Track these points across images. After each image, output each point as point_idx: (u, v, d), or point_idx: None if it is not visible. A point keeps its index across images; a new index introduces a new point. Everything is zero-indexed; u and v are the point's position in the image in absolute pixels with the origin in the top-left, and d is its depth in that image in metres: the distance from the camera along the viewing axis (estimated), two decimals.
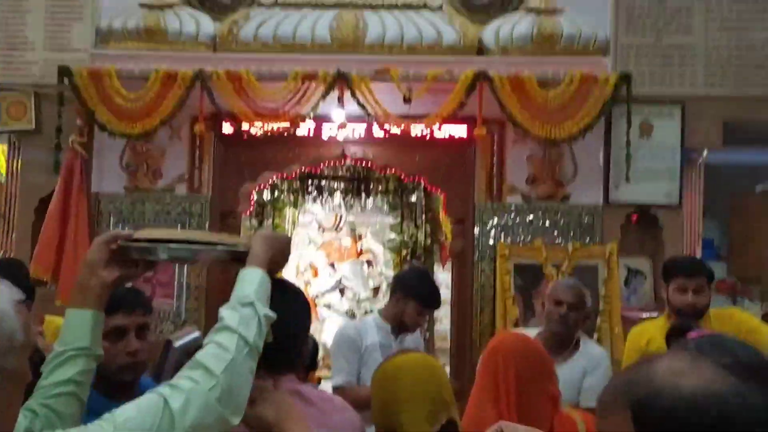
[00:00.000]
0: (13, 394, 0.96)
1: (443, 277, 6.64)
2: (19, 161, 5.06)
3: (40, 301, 4.80)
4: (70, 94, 4.83)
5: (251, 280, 1.31)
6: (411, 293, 3.44)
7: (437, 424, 1.55)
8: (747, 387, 0.75)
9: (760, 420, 0.73)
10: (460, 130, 5.04)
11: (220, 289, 5.13)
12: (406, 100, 4.74)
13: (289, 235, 6.88)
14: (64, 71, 4.83)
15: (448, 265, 6.27)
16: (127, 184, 5.08)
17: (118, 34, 5.00)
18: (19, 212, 5.04)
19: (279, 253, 1.42)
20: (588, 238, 4.93)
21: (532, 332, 3.14)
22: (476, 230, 5.00)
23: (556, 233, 4.98)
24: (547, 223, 4.99)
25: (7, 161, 5.09)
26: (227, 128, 5.07)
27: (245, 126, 4.89)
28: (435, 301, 3.48)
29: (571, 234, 4.96)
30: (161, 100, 4.80)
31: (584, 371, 3.12)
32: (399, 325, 3.44)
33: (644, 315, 4.88)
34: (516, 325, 4.85)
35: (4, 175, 5.16)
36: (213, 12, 5.11)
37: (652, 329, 3.38)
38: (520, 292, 4.92)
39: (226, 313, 1.28)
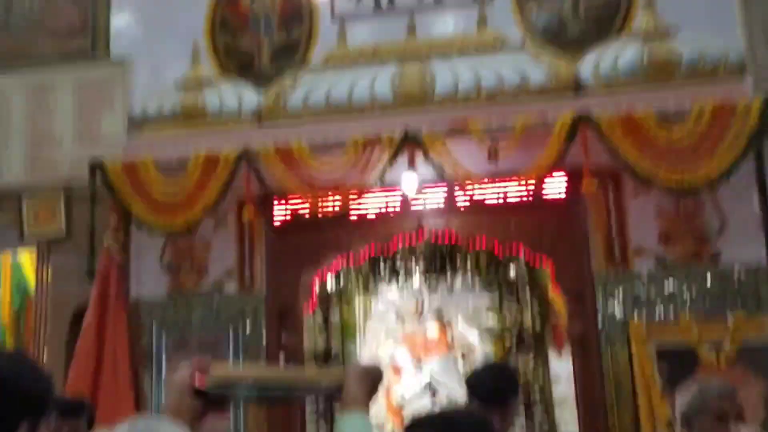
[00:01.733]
0: None
1: (561, 367, 5.44)
2: (49, 270, 4.44)
3: None
4: (104, 191, 4.21)
5: (361, 427, 1.31)
6: (471, 394, 2.50)
7: None
8: None
9: None
10: (563, 187, 4.07)
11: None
12: (492, 155, 3.90)
13: (363, 328, 5.93)
14: (96, 166, 4.27)
15: (566, 352, 5.11)
16: (170, 286, 4.37)
17: (152, 119, 4.46)
18: (51, 328, 4.41)
19: (374, 389, 1.42)
20: (754, 306, 3.75)
21: None
22: (599, 306, 3.93)
23: (706, 304, 3.83)
24: (694, 291, 3.86)
25: (36, 271, 4.48)
26: (279, 212, 4.31)
27: (299, 206, 4.12)
28: (489, 395, 2.41)
29: (728, 303, 3.79)
30: (203, 187, 4.17)
31: None
32: None
33: None
34: (670, 427, 3.66)
35: (32, 286, 4.56)
36: (256, 82, 4.49)
37: None
38: (669, 383, 3.75)
39: None
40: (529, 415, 5.16)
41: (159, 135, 4.39)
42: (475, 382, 2.55)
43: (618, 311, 3.94)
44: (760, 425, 3.61)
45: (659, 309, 3.90)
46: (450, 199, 4.25)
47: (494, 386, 2.45)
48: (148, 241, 4.33)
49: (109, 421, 4.00)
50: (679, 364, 3.81)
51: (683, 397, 2.42)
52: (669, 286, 3.90)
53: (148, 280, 4.38)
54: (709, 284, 3.86)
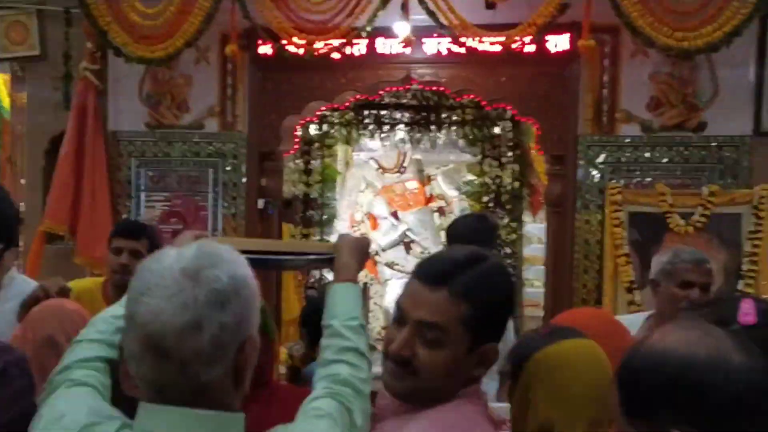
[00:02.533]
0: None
1: (535, 229, 5.57)
2: (24, 95, 4.28)
3: (55, 259, 4.17)
4: (79, 12, 3.97)
5: (353, 298, 1.39)
6: (448, 242, 2.58)
7: (599, 428, 1.29)
8: None
9: None
10: (560, 42, 3.95)
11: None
12: (489, 4, 3.67)
13: (343, 176, 5.94)
14: None
15: (542, 214, 5.19)
16: (149, 119, 4.27)
17: None
18: (28, 156, 4.33)
19: (363, 260, 1.51)
20: (730, 179, 3.80)
21: (638, 318, 2.51)
22: (579, 170, 3.95)
23: (686, 173, 3.86)
24: (675, 159, 3.89)
25: (11, 94, 4.32)
26: (265, 49, 4.13)
27: (286, 45, 3.93)
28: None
29: (707, 174, 3.83)
30: (185, 16, 3.92)
31: None
32: None
33: None
34: (630, 290, 3.84)
35: (7, 110, 4.42)
36: None
37: None
38: (636, 248, 3.88)
39: (349, 333, 1.32)
40: None
41: None
42: (454, 230, 2.59)
43: (598, 176, 3.96)
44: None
45: (639, 176, 3.93)
46: (441, 48, 4.08)
47: (472, 234, 2.48)
48: (126, 71, 4.16)
49: (87, 251, 4.08)
50: (649, 230, 3.90)
51: (656, 263, 2.46)
52: (651, 153, 3.90)
53: (127, 112, 4.26)
54: (691, 154, 3.86)
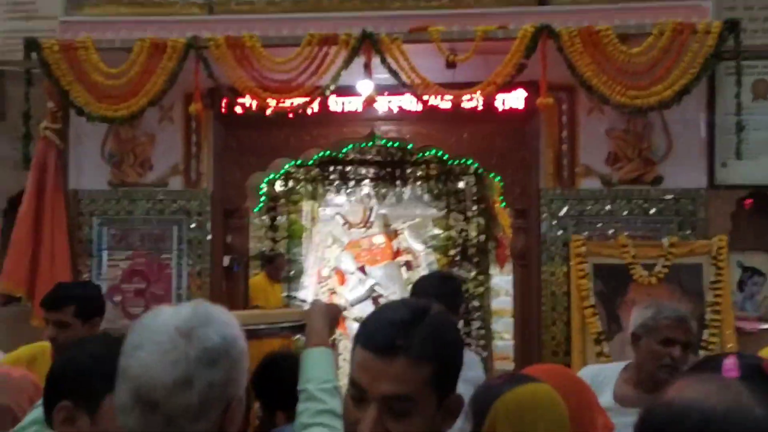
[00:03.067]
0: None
1: (502, 281, 5.59)
2: None
3: (12, 320, 4.04)
4: (39, 71, 3.96)
5: (326, 362, 1.44)
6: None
7: None
8: None
9: None
10: (518, 100, 4.04)
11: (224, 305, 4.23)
12: (450, 64, 3.86)
13: (310, 232, 5.92)
14: (30, 44, 3.99)
15: (508, 267, 5.22)
16: (112, 178, 4.23)
17: None
18: None
19: (334, 325, 1.60)
20: (689, 230, 3.90)
21: (614, 370, 2.47)
22: (543, 224, 4.00)
23: (646, 225, 3.95)
24: (635, 212, 3.97)
25: None
26: (229, 108, 4.15)
27: (250, 103, 3.97)
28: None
29: (666, 226, 3.92)
30: (148, 76, 3.96)
31: None
32: None
33: (765, 326, 3.84)
34: (598, 341, 3.86)
35: None
36: None
37: None
38: (602, 300, 3.91)
39: (324, 396, 1.37)
40: (467, 324, 5.31)
41: (101, 14, 4.12)
42: (420, 290, 2.54)
43: (560, 229, 4.02)
44: None
45: (600, 229, 3.99)
46: (404, 106, 4.16)
47: (437, 294, 2.45)
48: (88, 129, 4.15)
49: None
50: (613, 281, 3.95)
51: (637, 316, 2.44)
52: (612, 206, 3.98)
53: (89, 171, 4.22)
54: (649, 207, 3.95)
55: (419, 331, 1.11)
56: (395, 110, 4.19)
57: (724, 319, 3.81)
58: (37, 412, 1.33)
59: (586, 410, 1.60)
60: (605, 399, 2.34)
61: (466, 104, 3.99)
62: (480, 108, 3.94)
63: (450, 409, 1.19)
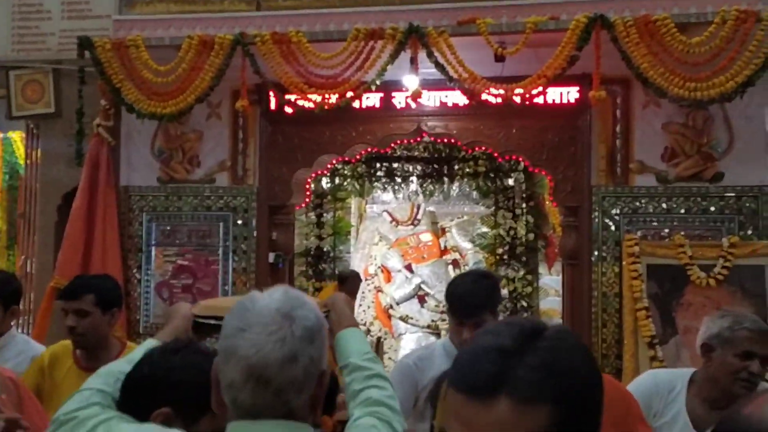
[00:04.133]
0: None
1: (551, 281, 5.45)
2: (38, 150, 4.34)
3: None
4: (93, 70, 4.04)
5: (361, 338, 1.55)
6: (447, 302, 2.42)
7: None
8: None
9: None
10: (570, 94, 3.91)
11: None
12: (499, 57, 3.75)
13: (356, 229, 5.88)
14: (84, 43, 4.06)
15: (557, 267, 5.09)
16: (161, 174, 4.28)
17: None
18: (41, 211, 4.34)
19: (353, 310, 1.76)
20: (750, 230, 3.69)
21: (683, 375, 2.28)
22: (594, 221, 3.86)
23: (704, 224, 3.76)
24: (692, 210, 3.79)
25: (26, 150, 4.38)
26: (275, 104, 4.15)
27: (297, 100, 3.96)
28: (461, 308, 2.31)
29: (727, 225, 3.72)
30: (196, 72, 3.99)
31: None
32: None
33: None
34: (651, 345, 3.70)
35: (22, 166, 4.47)
36: None
37: None
38: (656, 302, 3.75)
39: (369, 364, 1.46)
40: None
41: (152, 12, 4.19)
42: (453, 289, 2.44)
43: (614, 227, 3.88)
44: None
45: (656, 228, 3.84)
46: (452, 101, 4.08)
47: (471, 297, 2.35)
48: (139, 127, 4.22)
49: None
50: (668, 282, 3.79)
51: (711, 326, 2.29)
52: (668, 204, 3.81)
53: (139, 167, 4.30)
54: (708, 205, 3.77)
55: (527, 361, 0.80)
56: (442, 105, 4.11)
57: None
58: (96, 395, 1.34)
59: (629, 419, 1.52)
60: (676, 413, 2.20)
61: (516, 99, 3.90)
62: (529, 103, 3.83)
63: None
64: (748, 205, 3.73)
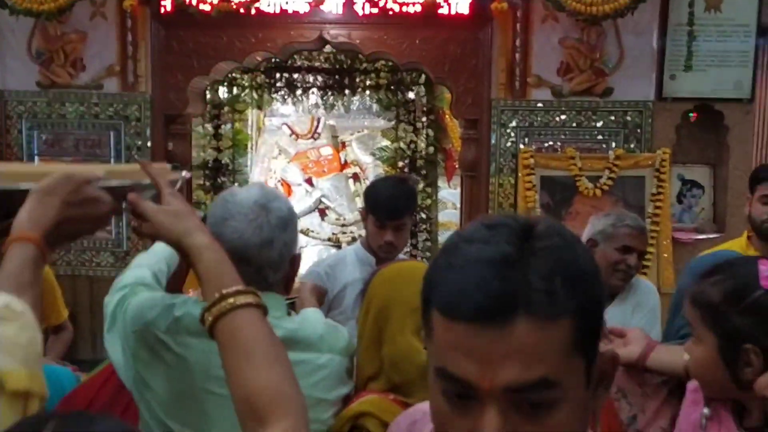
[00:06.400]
0: None
1: (449, 194, 5.59)
2: None
3: None
4: None
5: (317, 317, 1.53)
6: (367, 205, 2.48)
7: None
8: None
9: None
10: (472, 5, 3.90)
11: None
12: None
13: (255, 142, 5.74)
14: None
15: (456, 180, 5.22)
16: (40, 78, 3.94)
17: None
18: None
19: (321, 302, 2.34)
20: (634, 143, 3.93)
21: None
22: (492, 135, 3.97)
23: (593, 137, 3.97)
24: (584, 124, 3.97)
25: None
26: (172, 5, 3.88)
27: (192, 1, 3.72)
28: (385, 210, 2.41)
29: (613, 138, 3.94)
30: None
31: (633, 310, 2.50)
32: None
33: (700, 237, 3.99)
34: None
35: None
36: None
37: None
38: (547, 211, 3.96)
39: None
40: (414, 236, 5.34)
41: None
42: (373, 194, 2.48)
43: (511, 140, 4.00)
44: None
45: (549, 140, 4.00)
46: (354, 9, 3.97)
47: (392, 200, 2.40)
48: (13, 25, 3.83)
49: None
50: (559, 193, 3.99)
51: (596, 223, 2.45)
52: (561, 117, 3.97)
53: (16, 69, 3.93)
54: (598, 119, 3.96)
55: (536, 269, 0.67)
56: (345, 13, 4.00)
57: (662, 230, 3.93)
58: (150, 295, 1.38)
59: None
60: None
61: (418, 8, 3.86)
62: (431, 13, 3.80)
63: (603, 375, 0.75)
64: (631, 119, 3.95)
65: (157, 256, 1.49)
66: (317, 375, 1.33)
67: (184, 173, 1.34)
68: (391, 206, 2.40)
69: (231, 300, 1.03)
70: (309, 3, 3.90)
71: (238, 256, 1.21)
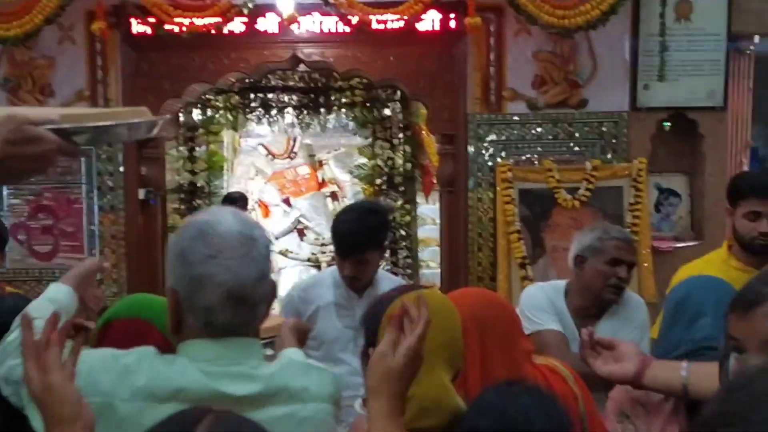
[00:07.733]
0: None
1: (428, 210, 5.57)
2: None
3: None
4: None
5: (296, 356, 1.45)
6: (331, 237, 2.48)
7: (452, 371, 1.28)
8: None
9: None
10: (446, 21, 3.91)
11: (141, 241, 4.03)
12: None
13: (231, 164, 5.69)
14: None
15: (434, 196, 5.21)
16: (9, 105, 3.84)
17: None
18: None
19: (303, 340, 2.07)
20: (611, 154, 3.94)
21: (558, 286, 2.47)
22: (470, 149, 3.96)
23: (570, 149, 3.98)
24: (560, 136, 3.98)
25: None
26: (138, 27, 3.83)
27: (161, 23, 3.68)
28: (345, 246, 2.36)
29: (590, 149, 3.96)
30: None
31: (623, 324, 2.46)
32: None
33: (679, 245, 4.00)
34: (523, 266, 3.91)
35: None
36: None
37: (707, 269, 2.44)
38: (527, 225, 3.94)
39: None
40: (394, 253, 5.31)
41: None
42: (341, 225, 2.42)
43: (488, 155, 3.99)
44: None
45: (527, 153, 3.99)
46: (328, 27, 3.95)
47: (362, 231, 2.34)
48: None
49: None
50: (538, 206, 3.98)
51: (582, 239, 2.42)
52: (537, 130, 3.97)
53: None
54: (574, 130, 3.97)
55: None
56: (319, 31, 3.98)
57: (642, 239, 3.93)
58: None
59: (506, 337, 1.56)
60: (566, 320, 2.35)
61: (392, 25, 3.85)
62: (406, 30, 3.79)
63: None
64: (607, 130, 3.96)
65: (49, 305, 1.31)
66: (302, 429, 1.21)
67: (166, 117, 1.24)
68: (350, 242, 2.33)
69: None
70: (280, 23, 3.87)
71: (234, 296, 1.14)
